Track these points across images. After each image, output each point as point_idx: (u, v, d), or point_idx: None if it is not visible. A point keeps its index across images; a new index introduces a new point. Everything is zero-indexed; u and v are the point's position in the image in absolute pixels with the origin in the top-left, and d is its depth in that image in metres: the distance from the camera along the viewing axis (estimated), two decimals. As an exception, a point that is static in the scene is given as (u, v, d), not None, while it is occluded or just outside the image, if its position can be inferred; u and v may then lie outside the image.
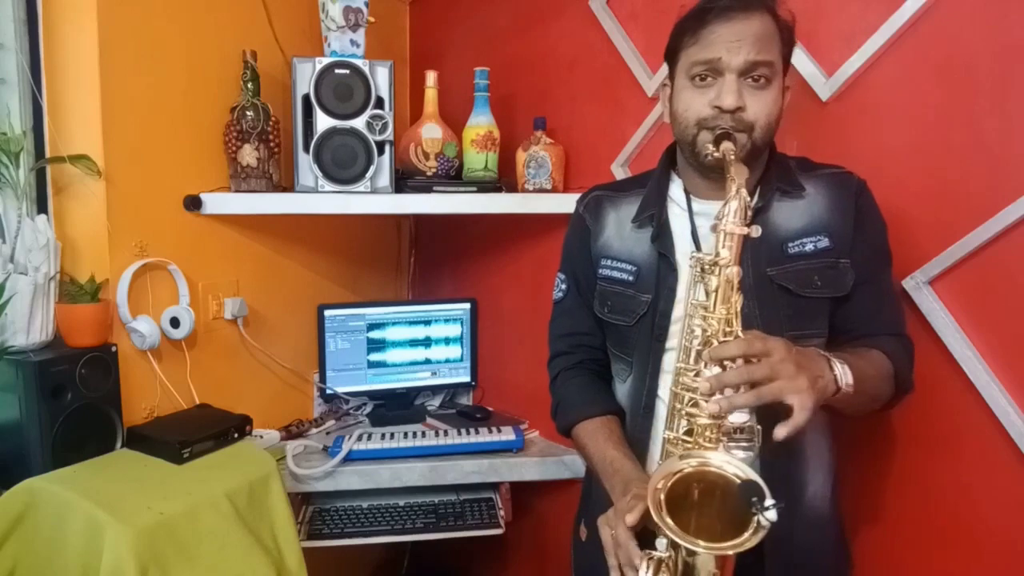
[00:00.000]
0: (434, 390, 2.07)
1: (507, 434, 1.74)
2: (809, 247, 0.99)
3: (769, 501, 0.73)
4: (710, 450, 0.83)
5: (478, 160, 1.79)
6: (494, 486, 1.79)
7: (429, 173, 1.80)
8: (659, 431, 1.02)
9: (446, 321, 2.00)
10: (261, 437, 1.65)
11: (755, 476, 0.77)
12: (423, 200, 1.71)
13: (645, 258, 1.07)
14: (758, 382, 0.79)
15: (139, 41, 1.47)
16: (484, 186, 1.77)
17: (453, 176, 1.84)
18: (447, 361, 2.01)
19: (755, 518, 0.73)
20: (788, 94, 1.03)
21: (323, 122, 1.62)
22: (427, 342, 1.99)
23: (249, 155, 1.62)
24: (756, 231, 0.86)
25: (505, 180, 1.83)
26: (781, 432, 0.77)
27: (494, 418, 1.93)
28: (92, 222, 1.44)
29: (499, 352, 2.05)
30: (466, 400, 2.11)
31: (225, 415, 1.56)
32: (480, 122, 1.79)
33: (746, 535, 0.72)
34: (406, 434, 1.76)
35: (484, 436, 1.74)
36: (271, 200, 1.64)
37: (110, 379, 1.40)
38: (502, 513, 1.75)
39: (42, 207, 1.45)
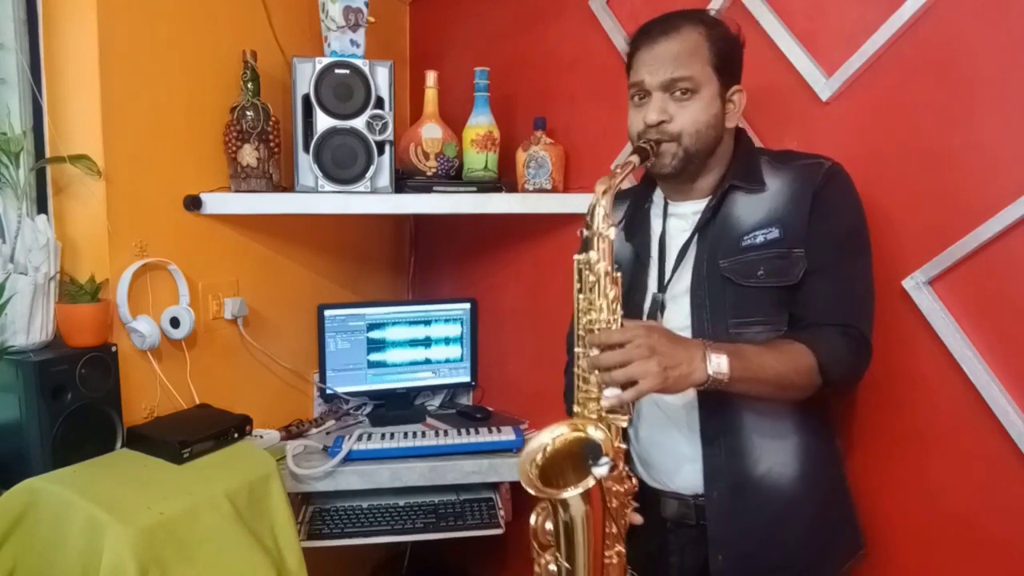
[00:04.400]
0: (434, 390, 2.06)
1: (507, 434, 1.74)
2: (760, 239, 1.06)
3: (604, 459, 0.88)
4: (587, 422, 0.99)
5: (478, 160, 1.79)
6: (494, 486, 1.79)
7: (429, 173, 1.80)
8: (639, 416, 1.16)
9: (446, 321, 2.00)
10: (261, 437, 1.65)
11: (598, 439, 0.94)
12: (423, 200, 1.71)
13: (626, 256, 1.18)
14: (617, 365, 0.92)
15: (139, 41, 1.46)
16: (484, 186, 1.77)
17: (453, 176, 1.84)
18: (447, 361, 2.01)
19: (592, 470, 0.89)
20: (740, 96, 1.10)
21: (323, 122, 1.62)
22: (427, 342, 1.99)
23: (249, 155, 1.62)
24: (614, 232, 0.99)
25: (505, 180, 1.83)
26: (627, 395, 0.91)
27: (494, 418, 1.92)
28: (92, 222, 1.43)
29: (499, 352, 2.05)
30: (466, 400, 2.10)
31: (225, 415, 1.55)
32: (480, 122, 1.79)
33: (580, 485, 0.89)
34: (406, 434, 1.76)
35: (484, 436, 1.74)
36: (271, 200, 1.64)
37: (110, 379, 1.40)
38: (502, 513, 1.75)
39: (42, 207, 1.45)
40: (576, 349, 1.03)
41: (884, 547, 1.25)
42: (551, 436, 0.98)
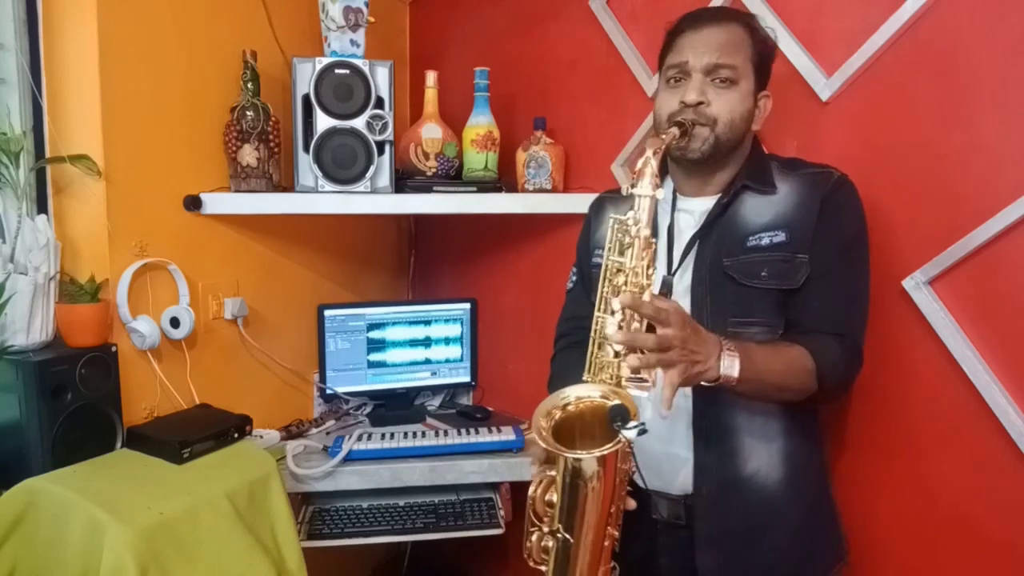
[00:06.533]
0: (434, 390, 2.06)
1: (507, 434, 1.74)
2: (765, 241, 1.06)
3: (632, 423, 0.85)
4: (601, 384, 0.96)
5: (478, 160, 1.79)
6: (494, 486, 1.79)
7: (429, 173, 1.80)
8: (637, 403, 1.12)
9: (446, 321, 2.00)
10: (261, 437, 1.65)
11: (625, 402, 0.89)
12: (423, 200, 1.71)
13: None
14: (655, 349, 0.88)
15: (139, 41, 1.46)
16: (484, 186, 1.77)
17: (453, 176, 1.84)
18: (447, 361, 2.01)
19: (619, 434, 0.86)
20: (767, 102, 1.12)
21: (323, 122, 1.62)
22: (427, 342, 1.99)
23: (249, 155, 1.62)
24: (661, 194, 0.96)
25: (505, 180, 1.83)
26: (663, 411, 0.88)
27: (494, 418, 1.93)
28: (92, 222, 1.43)
29: (499, 352, 2.05)
30: (466, 400, 2.10)
31: (225, 415, 1.55)
32: (480, 122, 1.79)
33: (608, 445, 0.87)
34: (406, 434, 1.76)
35: (484, 436, 1.74)
36: (271, 200, 1.64)
37: (110, 379, 1.40)
38: (502, 513, 1.75)
39: (42, 207, 1.45)
40: (596, 313, 1.00)
41: (884, 547, 1.25)
42: (575, 395, 0.94)
